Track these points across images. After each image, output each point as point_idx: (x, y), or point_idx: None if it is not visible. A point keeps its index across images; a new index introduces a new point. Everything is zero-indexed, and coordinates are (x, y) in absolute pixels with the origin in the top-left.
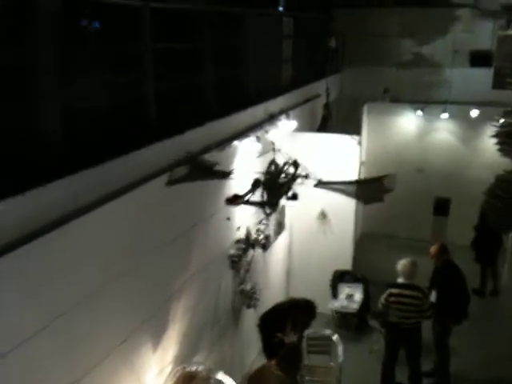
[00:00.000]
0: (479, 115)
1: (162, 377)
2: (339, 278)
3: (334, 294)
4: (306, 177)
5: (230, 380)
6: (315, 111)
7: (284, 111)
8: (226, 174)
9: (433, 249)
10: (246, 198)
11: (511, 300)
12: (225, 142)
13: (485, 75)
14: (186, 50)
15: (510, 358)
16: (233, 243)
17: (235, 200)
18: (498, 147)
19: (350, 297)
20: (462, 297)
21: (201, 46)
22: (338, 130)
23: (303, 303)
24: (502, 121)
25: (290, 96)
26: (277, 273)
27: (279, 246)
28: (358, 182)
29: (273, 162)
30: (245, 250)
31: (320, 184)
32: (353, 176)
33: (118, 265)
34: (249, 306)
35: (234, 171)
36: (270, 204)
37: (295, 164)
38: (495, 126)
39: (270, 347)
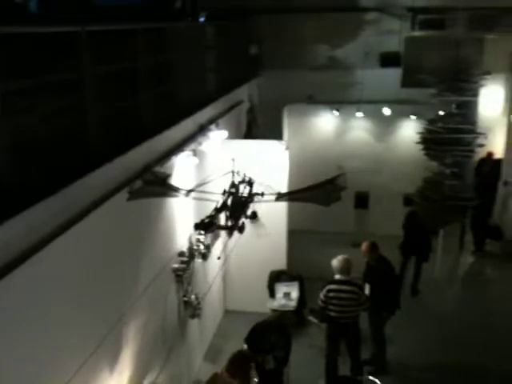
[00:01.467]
0: (391, 113)
1: None
2: (276, 278)
3: (272, 294)
4: (262, 194)
5: None
6: (240, 118)
7: (213, 120)
8: (178, 189)
9: (364, 247)
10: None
11: (442, 294)
12: (163, 158)
13: (394, 75)
14: (116, 71)
15: (441, 344)
16: (175, 256)
17: (208, 227)
18: (424, 152)
19: (287, 295)
20: (394, 290)
21: (131, 65)
22: (263, 134)
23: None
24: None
25: (216, 105)
26: (213, 279)
27: (215, 252)
28: (313, 187)
29: (233, 184)
30: (188, 262)
31: (280, 197)
32: (283, 180)
33: (70, 290)
34: (193, 317)
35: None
36: (235, 226)
37: (250, 182)
38: (420, 133)
39: None
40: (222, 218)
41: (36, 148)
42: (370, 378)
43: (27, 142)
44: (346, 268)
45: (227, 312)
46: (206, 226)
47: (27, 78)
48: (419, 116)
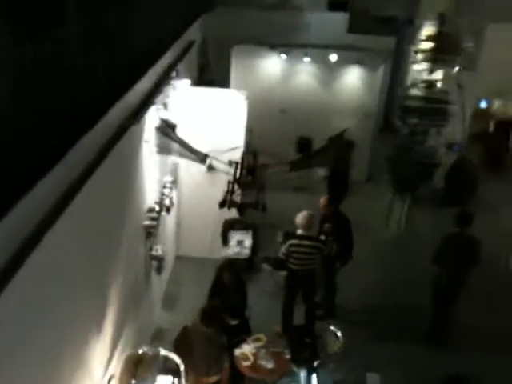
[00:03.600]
0: (337, 59)
1: (109, 365)
2: (230, 226)
3: (225, 242)
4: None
5: (173, 354)
6: (193, 61)
7: (172, 67)
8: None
9: (322, 201)
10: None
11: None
12: (137, 113)
13: (341, 20)
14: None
15: (378, 287)
16: (145, 213)
17: (234, 205)
18: (400, 117)
19: (240, 243)
20: (348, 241)
21: None
22: (213, 78)
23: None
24: None
25: (173, 50)
26: (169, 228)
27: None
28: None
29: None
30: (157, 218)
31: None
32: (241, 131)
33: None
34: (159, 270)
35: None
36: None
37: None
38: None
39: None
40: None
41: None
42: (331, 327)
43: None
44: (308, 224)
45: (178, 258)
46: (232, 204)
47: None
48: (364, 63)
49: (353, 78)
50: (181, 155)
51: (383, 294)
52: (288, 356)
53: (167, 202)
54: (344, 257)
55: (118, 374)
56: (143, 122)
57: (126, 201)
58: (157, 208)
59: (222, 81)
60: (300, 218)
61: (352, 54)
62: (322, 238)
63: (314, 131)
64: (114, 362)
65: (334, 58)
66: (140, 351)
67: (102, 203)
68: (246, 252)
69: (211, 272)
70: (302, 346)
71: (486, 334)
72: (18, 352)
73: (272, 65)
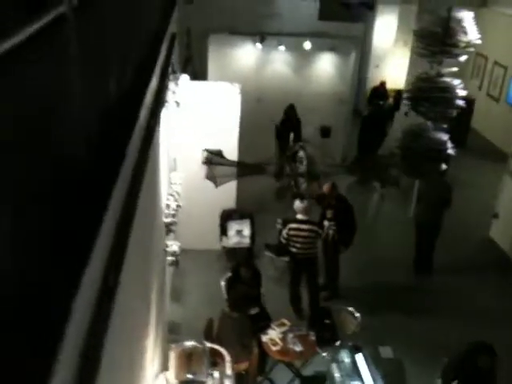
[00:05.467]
0: (311, 46)
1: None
2: (227, 217)
3: (224, 232)
4: None
5: (219, 347)
6: (177, 54)
7: (169, 61)
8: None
9: (325, 188)
10: None
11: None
12: (155, 112)
13: (313, 7)
14: None
15: (383, 265)
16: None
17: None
18: (411, 107)
19: (239, 233)
20: (352, 226)
21: None
22: (197, 69)
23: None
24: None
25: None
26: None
27: None
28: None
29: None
30: (174, 215)
31: None
32: (235, 124)
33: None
34: (176, 264)
35: None
36: None
37: None
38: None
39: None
40: None
41: None
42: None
43: None
44: (306, 208)
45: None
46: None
47: None
48: (337, 50)
49: (327, 64)
50: (239, 176)
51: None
52: (313, 338)
53: (177, 198)
54: (346, 241)
55: (172, 369)
56: (159, 121)
57: (155, 202)
58: (173, 205)
59: (202, 72)
60: (298, 202)
61: (325, 41)
62: (325, 223)
63: None
64: (157, 357)
65: (307, 45)
66: (189, 345)
67: (145, 207)
68: (247, 241)
69: (213, 263)
70: (322, 327)
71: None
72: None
73: (248, 54)
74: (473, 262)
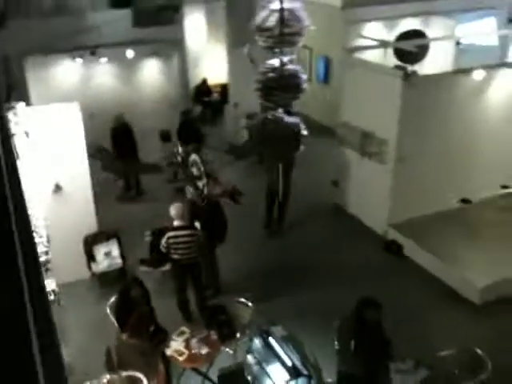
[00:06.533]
0: (134, 54)
1: None
2: (93, 241)
3: (92, 258)
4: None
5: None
6: None
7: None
8: None
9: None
10: None
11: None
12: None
13: (127, 15)
14: None
15: (252, 256)
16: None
17: None
18: (263, 97)
19: (108, 255)
20: (221, 222)
21: None
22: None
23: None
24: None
25: None
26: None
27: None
28: None
29: None
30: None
31: None
32: (81, 142)
33: None
34: (56, 303)
35: None
36: None
37: None
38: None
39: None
40: None
41: None
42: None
43: None
44: (181, 214)
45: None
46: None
47: None
48: (159, 54)
49: (152, 69)
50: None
51: (257, 261)
52: (215, 336)
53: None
54: (218, 238)
55: None
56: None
57: None
58: (41, 241)
59: (27, 97)
60: (173, 209)
61: (147, 47)
62: (197, 224)
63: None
64: None
65: (130, 53)
66: (105, 381)
67: None
68: (118, 261)
69: (88, 293)
70: (219, 323)
71: None
72: None
73: (69, 71)
74: (328, 228)
